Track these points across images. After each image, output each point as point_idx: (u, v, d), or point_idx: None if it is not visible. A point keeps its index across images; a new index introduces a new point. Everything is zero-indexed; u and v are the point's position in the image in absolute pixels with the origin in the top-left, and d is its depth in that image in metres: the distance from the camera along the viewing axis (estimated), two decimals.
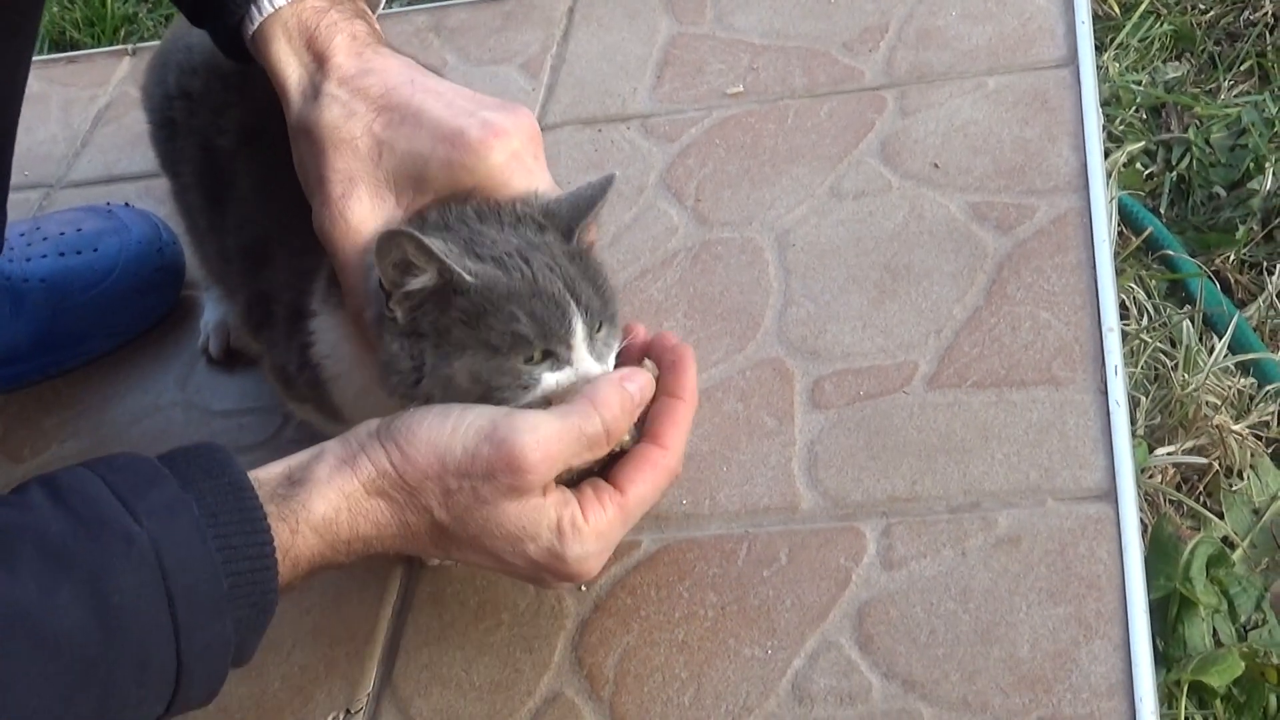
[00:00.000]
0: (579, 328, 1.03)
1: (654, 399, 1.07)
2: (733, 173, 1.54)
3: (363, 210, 1.07)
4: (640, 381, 1.05)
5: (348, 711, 1.18)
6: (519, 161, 1.08)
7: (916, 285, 1.36)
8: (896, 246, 1.40)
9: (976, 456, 1.21)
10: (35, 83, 1.95)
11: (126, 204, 1.61)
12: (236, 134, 1.24)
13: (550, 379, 1.03)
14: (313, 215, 1.09)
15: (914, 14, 1.67)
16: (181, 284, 1.58)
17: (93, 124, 1.88)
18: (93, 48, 2.20)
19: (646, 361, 1.09)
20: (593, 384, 1.03)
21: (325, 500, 0.98)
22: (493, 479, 0.99)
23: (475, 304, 1.01)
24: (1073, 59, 1.54)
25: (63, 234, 1.55)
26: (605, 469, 1.06)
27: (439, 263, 0.99)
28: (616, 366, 1.08)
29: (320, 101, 1.09)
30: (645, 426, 1.07)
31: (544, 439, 0.99)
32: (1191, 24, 1.90)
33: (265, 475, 0.99)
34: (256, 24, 1.12)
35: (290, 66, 1.11)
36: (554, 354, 1.03)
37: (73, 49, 2.22)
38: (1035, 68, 1.55)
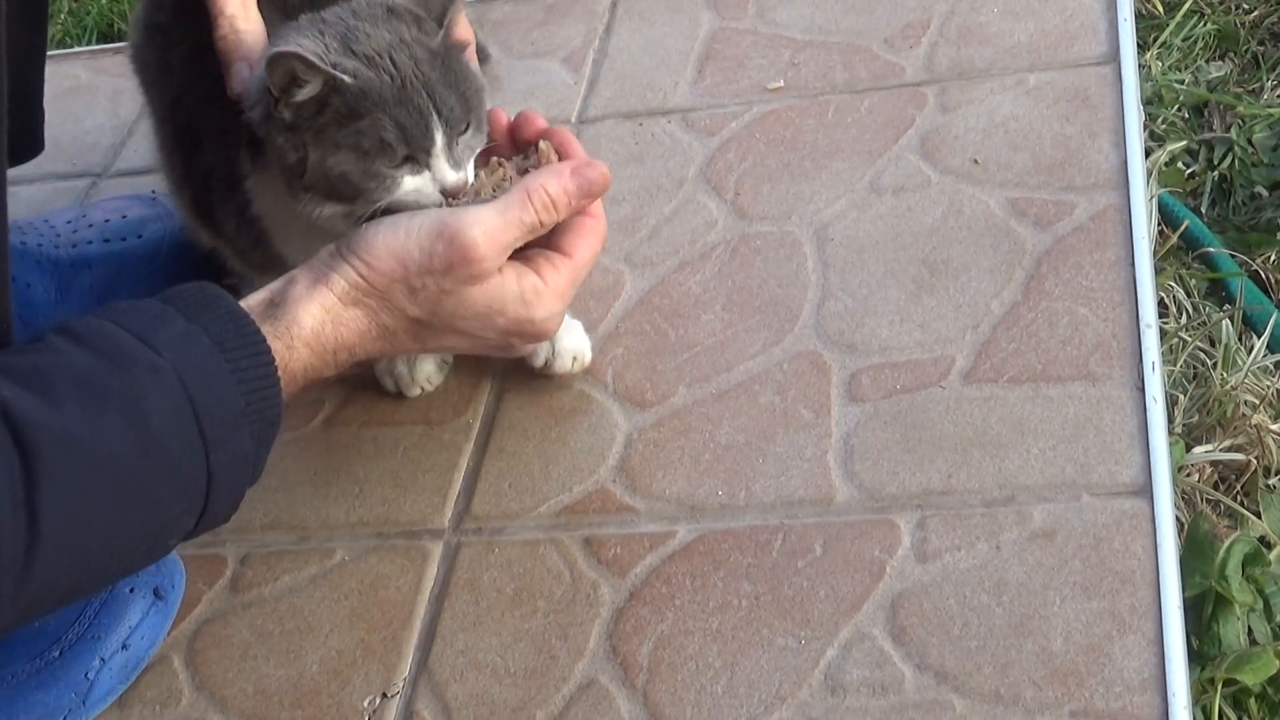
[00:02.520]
0: (439, 137, 1.14)
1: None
2: (772, 167, 1.54)
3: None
4: (564, 179, 1.17)
5: (384, 695, 1.19)
6: None
7: (954, 280, 1.36)
8: (935, 241, 1.40)
9: (1012, 451, 1.21)
10: (84, 73, 1.99)
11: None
12: (171, 7, 1.33)
13: (410, 183, 1.14)
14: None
15: (955, 10, 1.67)
16: (224, 270, 1.59)
17: (139, 114, 1.90)
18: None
19: (542, 144, 1.23)
20: (526, 178, 1.17)
21: (309, 314, 1.09)
22: (451, 272, 1.12)
23: (348, 106, 1.12)
24: (1114, 56, 1.54)
25: (108, 221, 1.57)
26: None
27: (324, 74, 1.10)
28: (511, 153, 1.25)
29: None
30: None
31: (491, 230, 1.12)
32: (1235, 24, 1.90)
33: (251, 303, 1.09)
34: None
35: None
36: (414, 159, 1.14)
37: (120, 40, 2.24)
38: (1077, 65, 1.55)
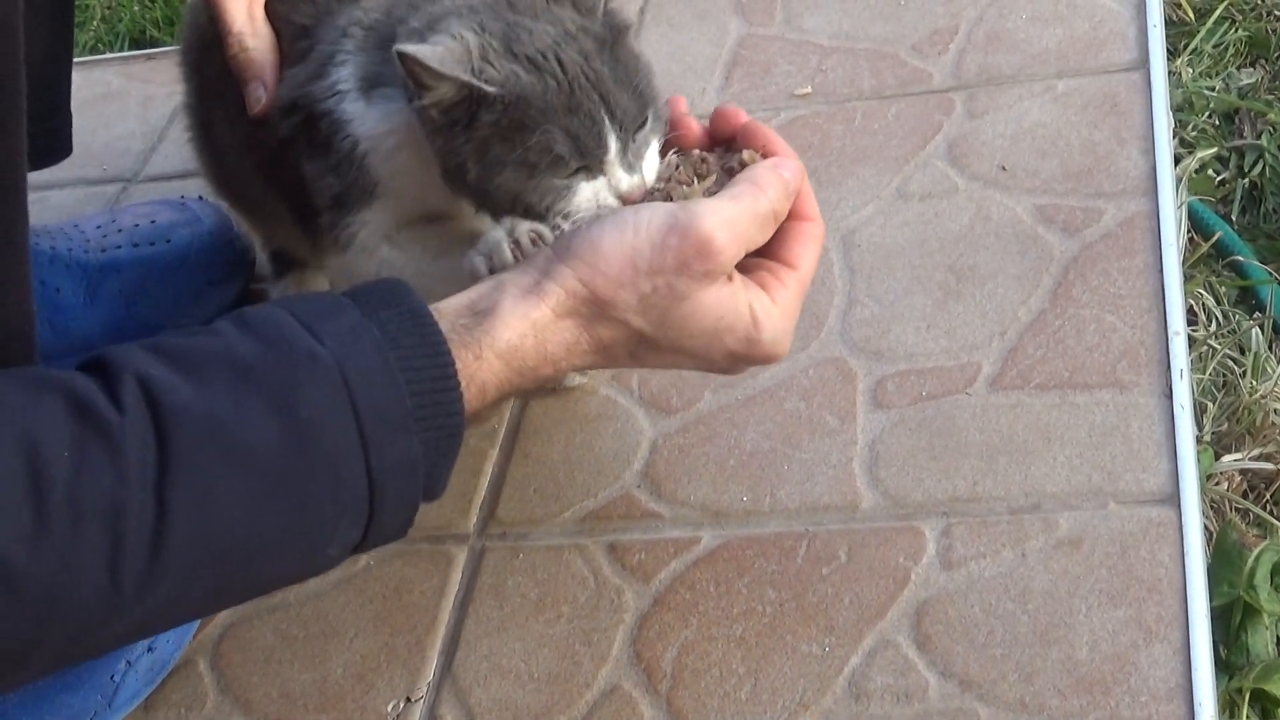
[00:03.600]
0: (613, 142, 1.07)
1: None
2: None
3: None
4: (792, 168, 1.07)
5: (408, 700, 1.19)
6: None
7: (981, 287, 1.36)
8: (962, 248, 1.40)
9: (1038, 458, 1.20)
10: (115, 79, 2.00)
11: (200, 197, 1.63)
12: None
13: (585, 190, 1.08)
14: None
15: (984, 16, 1.67)
16: (252, 276, 1.60)
17: (169, 120, 1.91)
18: (172, 45, 2.23)
19: (746, 153, 1.10)
20: (750, 170, 1.06)
21: (510, 328, 0.98)
22: (686, 269, 0.99)
23: (511, 119, 1.04)
24: (1144, 62, 1.53)
25: (137, 226, 1.58)
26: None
27: (455, 82, 1.03)
28: (677, 150, 1.13)
29: None
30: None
31: (728, 220, 1.00)
32: (1267, 30, 1.88)
33: (447, 307, 0.99)
34: None
35: None
36: (588, 168, 1.07)
37: (152, 47, 2.26)
38: (1105, 71, 1.54)
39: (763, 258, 1.07)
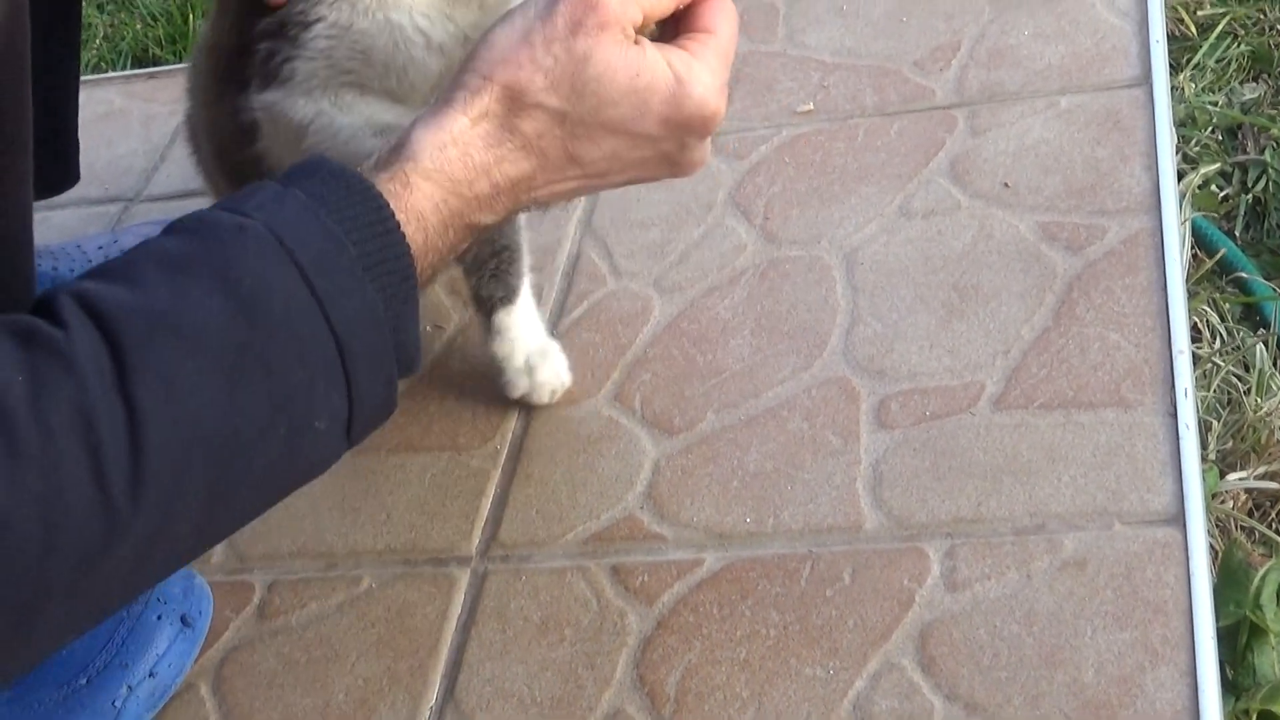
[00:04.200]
0: None
1: None
2: (802, 191, 1.54)
3: None
4: None
5: None
6: None
7: (985, 305, 1.35)
8: (965, 266, 1.40)
9: (1043, 478, 1.20)
10: (118, 98, 2.00)
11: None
12: None
13: None
14: None
15: (986, 33, 1.67)
16: None
17: (171, 139, 1.91)
18: (174, 64, 2.24)
19: None
20: None
21: (425, 141, 0.94)
22: (579, 27, 0.96)
23: None
24: (1146, 79, 1.53)
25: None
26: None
27: None
28: None
29: None
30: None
31: None
32: (1269, 45, 1.88)
33: (366, 163, 0.96)
34: None
35: None
36: None
37: (154, 65, 2.26)
38: (1108, 87, 1.54)
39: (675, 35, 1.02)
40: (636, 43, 0.98)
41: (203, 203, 1.57)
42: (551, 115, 0.97)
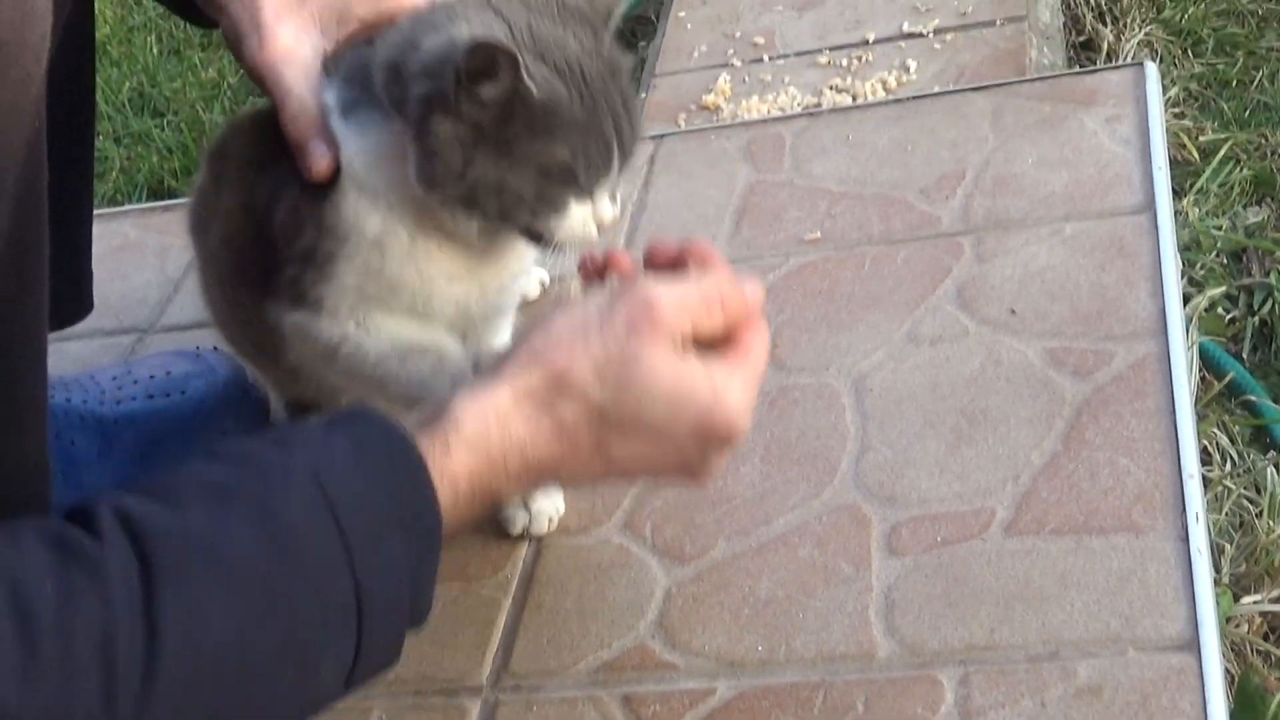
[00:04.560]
0: (615, 168, 1.11)
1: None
2: (810, 318, 1.55)
3: (289, 35, 1.16)
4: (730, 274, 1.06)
5: None
6: None
7: (994, 431, 1.36)
8: (974, 392, 1.40)
9: (1055, 604, 1.19)
10: (133, 230, 2.03)
11: (215, 348, 1.64)
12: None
13: (575, 212, 1.11)
14: (242, 59, 1.17)
15: (990, 161, 1.69)
16: (268, 425, 1.60)
17: (185, 270, 1.93)
18: (189, 197, 2.26)
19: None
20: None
21: (472, 415, 0.98)
22: (636, 329, 0.99)
23: (540, 121, 1.05)
24: (1150, 205, 1.55)
25: (152, 377, 1.59)
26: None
27: (519, 81, 1.03)
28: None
29: None
30: None
31: (672, 289, 1.01)
32: (1271, 169, 1.90)
33: (411, 420, 0.99)
34: None
35: None
36: (585, 188, 1.10)
37: (170, 198, 2.29)
38: (1112, 214, 1.55)
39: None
40: (685, 357, 1.02)
41: (216, 335, 1.60)
42: (590, 408, 1.00)
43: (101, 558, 0.82)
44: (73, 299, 1.51)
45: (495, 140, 1.07)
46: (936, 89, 1.90)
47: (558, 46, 1.08)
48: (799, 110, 1.96)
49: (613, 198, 1.12)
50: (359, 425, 0.95)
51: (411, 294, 1.21)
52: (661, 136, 1.93)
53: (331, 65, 1.20)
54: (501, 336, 1.35)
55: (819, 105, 1.96)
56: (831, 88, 2.00)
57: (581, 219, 1.11)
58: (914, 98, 1.86)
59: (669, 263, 1.10)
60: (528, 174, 1.08)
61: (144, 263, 1.98)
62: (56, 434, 1.51)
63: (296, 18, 1.16)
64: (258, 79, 1.18)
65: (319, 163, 1.16)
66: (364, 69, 1.15)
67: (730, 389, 1.03)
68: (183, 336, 1.79)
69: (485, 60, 1.03)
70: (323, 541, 0.88)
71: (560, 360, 0.99)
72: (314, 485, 0.88)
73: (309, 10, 1.17)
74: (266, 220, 1.21)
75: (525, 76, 1.04)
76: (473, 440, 0.97)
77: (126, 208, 2.21)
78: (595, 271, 1.11)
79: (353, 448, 0.92)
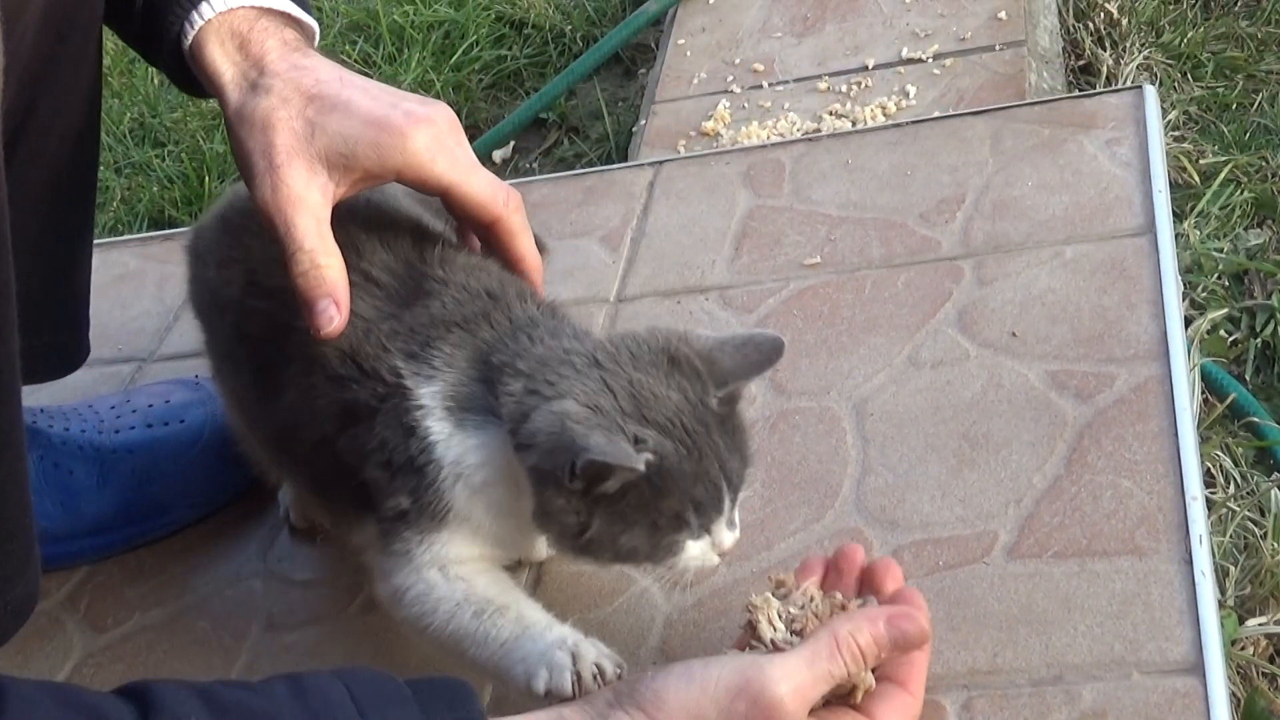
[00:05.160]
0: (727, 505, 1.11)
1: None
2: (810, 342, 1.55)
3: (300, 178, 1.14)
4: (880, 630, 1.06)
5: None
6: (440, 144, 1.17)
7: (996, 454, 1.35)
8: (975, 415, 1.40)
9: (1059, 628, 1.18)
10: (132, 260, 2.03)
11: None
12: (240, 284, 1.28)
13: (693, 549, 1.10)
14: (252, 193, 1.16)
15: (990, 185, 1.69)
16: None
17: (184, 299, 1.92)
18: (189, 226, 2.26)
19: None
20: (840, 621, 1.06)
21: None
22: None
23: (651, 486, 1.06)
24: (1150, 227, 1.54)
25: (151, 406, 1.58)
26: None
27: (626, 475, 1.04)
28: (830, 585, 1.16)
29: (256, 92, 1.17)
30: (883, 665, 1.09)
31: (798, 687, 1.01)
32: (1272, 191, 1.90)
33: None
34: (191, 36, 1.20)
35: (225, 67, 1.20)
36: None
37: (170, 227, 2.29)
38: (1113, 236, 1.55)
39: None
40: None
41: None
42: None
43: None
44: (71, 347, 1.52)
45: (609, 510, 1.07)
46: (936, 114, 1.90)
47: (658, 403, 1.08)
48: (799, 136, 1.96)
49: (730, 525, 1.13)
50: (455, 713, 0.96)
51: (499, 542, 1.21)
52: (661, 163, 1.93)
53: (426, 341, 1.17)
54: None
55: (819, 131, 1.96)
56: (831, 113, 2.01)
57: (700, 552, 1.12)
58: (913, 122, 1.86)
59: (854, 571, 1.16)
60: (642, 531, 1.09)
61: (143, 292, 1.98)
62: (55, 464, 1.51)
63: (304, 158, 1.15)
64: (267, 220, 1.15)
65: (329, 324, 1.13)
66: (485, 377, 1.13)
67: None
68: (182, 365, 1.78)
69: (600, 471, 1.04)
70: None
71: None
72: None
73: (317, 149, 1.15)
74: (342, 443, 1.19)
75: (641, 467, 1.04)
76: None
77: (126, 237, 2.22)
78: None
79: None
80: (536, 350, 1.13)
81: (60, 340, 1.49)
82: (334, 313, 1.13)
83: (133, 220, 2.39)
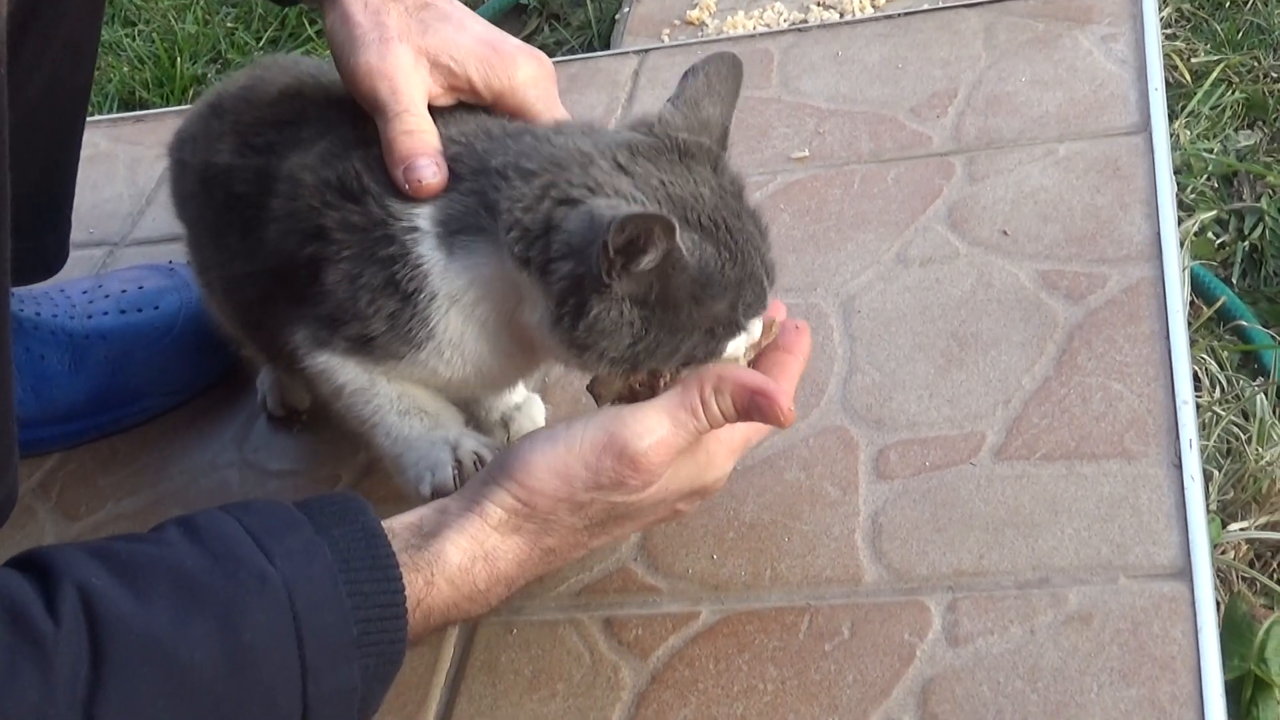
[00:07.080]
0: (766, 304, 1.09)
1: (769, 349, 1.11)
2: (798, 238, 1.52)
3: (409, 57, 1.15)
4: (746, 400, 1.04)
5: None
6: (539, 87, 1.19)
7: (984, 354, 1.33)
8: (964, 314, 1.38)
9: (1046, 531, 1.18)
10: (103, 141, 1.98)
11: (188, 262, 1.61)
12: (230, 150, 1.24)
13: (731, 345, 1.07)
14: (353, 61, 1.14)
15: (983, 79, 1.66)
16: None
17: (158, 183, 1.89)
18: (161, 107, 2.22)
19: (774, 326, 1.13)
20: (705, 376, 1.04)
21: (458, 548, 1.00)
22: (623, 485, 1.03)
23: (698, 283, 1.03)
24: (1145, 126, 1.52)
25: (124, 291, 1.56)
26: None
27: (673, 246, 0.99)
28: None
29: None
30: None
31: (660, 441, 1.02)
32: (1264, 92, 1.88)
33: (398, 525, 1.01)
34: None
35: None
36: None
37: (141, 108, 2.24)
38: (1107, 135, 1.53)
39: None
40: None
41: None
42: (575, 532, 1.06)
43: (54, 641, 0.82)
44: (54, 250, 1.50)
45: (662, 315, 1.03)
46: (928, 5, 1.86)
47: (694, 200, 1.05)
48: (786, 26, 1.92)
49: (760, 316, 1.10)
50: (349, 534, 0.95)
51: (445, 384, 1.18)
52: (646, 51, 1.89)
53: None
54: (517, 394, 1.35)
55: (805, 22, 1.92)
56: (819, 4, 1.96)
57: (735, 348, 1.08)
58: (905, 14, 1.83)
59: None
60: (696, 336, 1.05)
61: (115, 175, 1.94)
62: (26, 349, 1.48)
63: (414, 45, 1.14)
64: (369, 84, 1.13)
65: (432, 178, 1.10)
66: (479, 194, 1.09)
67: (714, 464, 1.09)
68: (155, 250, 1.75)
69: (635, 234, 0.97)
70: (281, 664, 0.89)
71: (545, 506, 1.03)
72: (285, 606, 0.89)
73: (427, 44, 1.15)
74: (320, 267, 1.14)
75: (679, 239, 0.99)
76: (457, 578, 1.00)
77: (97, 118, 2.17)
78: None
79: (336, 568, 0.92)
80: (544, 149, 1.09)
81: (45, 244, 1.47)
82: (435, 169, 1.10)
83: (103, 102, 2.34)
